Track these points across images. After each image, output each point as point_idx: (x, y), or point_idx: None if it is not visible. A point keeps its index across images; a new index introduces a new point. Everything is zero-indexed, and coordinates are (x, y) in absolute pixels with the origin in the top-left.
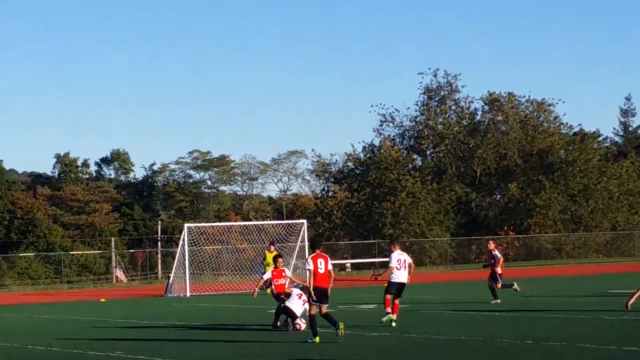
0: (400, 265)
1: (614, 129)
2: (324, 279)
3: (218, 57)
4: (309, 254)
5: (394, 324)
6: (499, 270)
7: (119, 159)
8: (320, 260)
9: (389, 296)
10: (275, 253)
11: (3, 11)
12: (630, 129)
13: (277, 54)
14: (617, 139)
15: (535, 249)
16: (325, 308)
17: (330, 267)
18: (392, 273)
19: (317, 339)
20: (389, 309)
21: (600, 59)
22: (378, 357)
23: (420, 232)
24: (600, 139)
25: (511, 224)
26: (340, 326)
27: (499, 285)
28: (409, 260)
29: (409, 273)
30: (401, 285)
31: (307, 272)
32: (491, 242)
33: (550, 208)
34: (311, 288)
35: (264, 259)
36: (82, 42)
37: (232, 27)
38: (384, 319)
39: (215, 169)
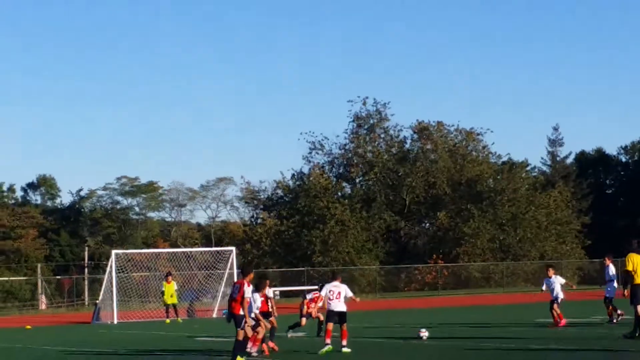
0: (332, 297)
1: (542, 158)
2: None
3: (143, 81)
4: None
5: (345, 349)
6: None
7: (45, 184)
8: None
9: (330, 325)
10: (172, 284)
11: None
12: (557, 158)
13: (205, 78)
14: (544, 168)
15: (464, 278)
16: (240, 333)
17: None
18: (327, 304)
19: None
20: (328, 340)
21: (528, 88)
22: None
23: (349, 260)
24: (528, 168)
25: (440, 252)
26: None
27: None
28: (342, 291)
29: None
30: (339, 314)
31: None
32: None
33: (479, 237)
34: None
35: (162, 291)
36: (3, 65)
37: (160, 46)
38: (324, 350)
39: (143, 195)
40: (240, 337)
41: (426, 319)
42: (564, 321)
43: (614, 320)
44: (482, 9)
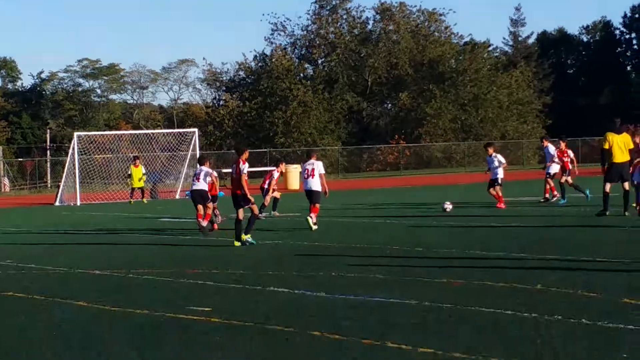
0: (307, 175)
1: (504, 38)
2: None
3: None
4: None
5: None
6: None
7: (5, 66)
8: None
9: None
10: (140, 168)
11: None
12: (519, 39)
13: None
14: (506, 48)
15: (426, 158)
16: (239, 213)
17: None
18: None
19: (236, 243)
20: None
21: None
22: (272, 264)
23: (311, 141)
24: (490, 48)
25: (402, 133)
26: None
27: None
28: (317, 169)
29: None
30: (308, 192)
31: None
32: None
33: (440, 117)
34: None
35: (129, 174)
36: None
37: None
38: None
39: (105, 78)
40: (241, 217)
41: (388, 198)
42: (502, 204)
43: (551, 199)
44: None
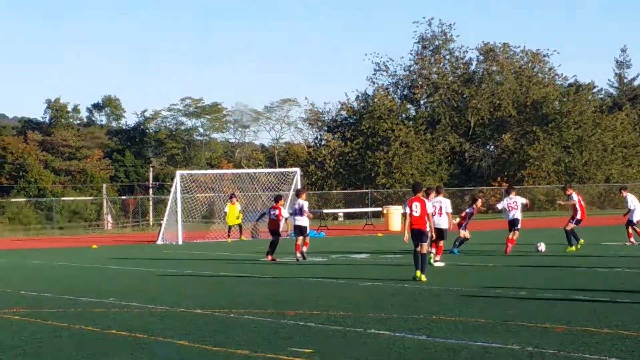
0: (435, 212)
1: (609, 80)
2: (418, 221)
3: (210, 4)
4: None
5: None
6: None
7: (110, 105)
8: (416, 204)
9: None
10: (236, 205)
11: None
12: (625, 80)
13: (271, 2)
14: (611, 90)
15: (529, 200)
16: (424, 247)
17: (429, 210)
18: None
19: (418, 274)
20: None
21: (596, 9)
22: (371, 306)
23: (413, 182)
24: (595, 90)
25: (504, 175)
26: (418, 274)
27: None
28: (444, 207)
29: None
30: (437, 230)
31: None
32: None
33: (543, 159)
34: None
35: (226, 212)
36: None
37: None
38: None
39: (207, 116)
40: (424, 251)
41: (492, 239)
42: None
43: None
44: None
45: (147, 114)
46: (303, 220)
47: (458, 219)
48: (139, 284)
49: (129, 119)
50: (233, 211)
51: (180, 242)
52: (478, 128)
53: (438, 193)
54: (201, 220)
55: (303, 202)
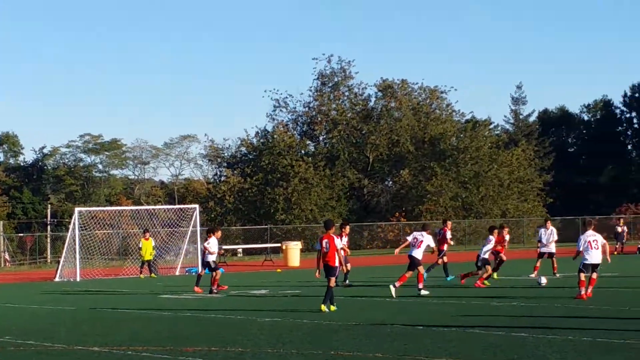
0: (414, 243)
1: (505, 116)
2: (328, 256)
3: (110, 39)
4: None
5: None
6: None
7: (7, 141)
8: (326, 241)
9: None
10: (150, 240)
11: None
12: (520, 116)
13: (169, 37)
14: (507, 126)
15: None
16: (332, 281)
17: (338, 245)
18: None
19: (323, 308)
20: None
21: (492, 47)
22: (270, 341)
23: (312, 217)
24: (491, 126)
25: (402, 210)
26: (331, 308)
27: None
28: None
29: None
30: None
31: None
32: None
33: (441, 195)
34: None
35: (140, 247)
36: None
37: (124, 9)
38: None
39: (106, 153)
40: (332, 285)
41: (391, 274)
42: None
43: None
44: None
45: (45, 151)
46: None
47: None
48: (36, 321)
49: (27, 156)
50: (147, 247)
51: (78, 279)
52: (377, 164)
53: (424, 229)
54: (100, 258)
55: (212, 240)
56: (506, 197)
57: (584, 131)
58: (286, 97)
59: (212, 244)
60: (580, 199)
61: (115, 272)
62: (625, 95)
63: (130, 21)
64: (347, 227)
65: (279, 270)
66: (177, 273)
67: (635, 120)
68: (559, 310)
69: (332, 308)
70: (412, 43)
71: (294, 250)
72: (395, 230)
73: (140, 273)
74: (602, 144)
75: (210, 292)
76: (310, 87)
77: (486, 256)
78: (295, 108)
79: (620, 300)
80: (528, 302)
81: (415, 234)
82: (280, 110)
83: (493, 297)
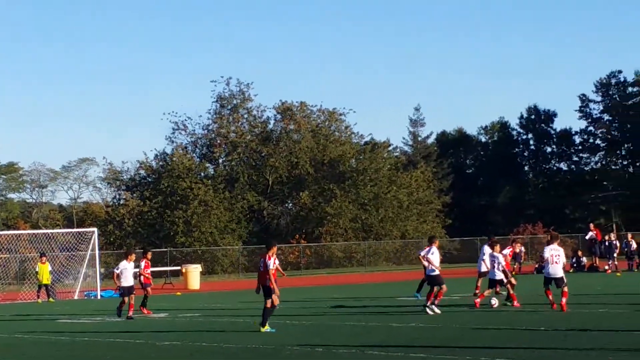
0: (426, 264)
1: (404, 138)
2: (262, 276)
3: (9, 58)
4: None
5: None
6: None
7: None
8: (262, 260)
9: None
10: (47, 264)
11: None
12: (419, 138)
13: (64, 58)
14: (406, 148)
15: (326, 257)
16: (268, 302)
17: (270, 266)
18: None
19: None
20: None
21: (391, 69)
22: None
23: (212, 240)
24: (390, 148)
25: (303, 232)
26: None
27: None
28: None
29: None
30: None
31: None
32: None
33: (341, 216)
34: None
35: (37, 271)
36: None
37: (26, 24)
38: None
39: (3, 176)
40: (269, 306)
41: (290, 297)
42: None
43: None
44: None
45: None
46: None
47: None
48: None
49: None
50: (44, 270)
51: None
52: (276, 186)
53: (431, 243)
54: (11, 282)
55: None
56: (405, 219)
57: (482, 152)
58: (185, 120)
59: (122, 267)
60: (479, 219)
61: (13, 297)
62: (521, 117)
63: (26, 36)
64: (274, 248)
65: (178, 293)
66: (76, 297)
67: (531, 142)
68: (456, 330)
69: (262, 329)
70: (311, 65)
71: (193, 273)
72: (295, 252)
73: (38, 297)
74: (500, 165)
75: (128, 317)
76: (209, 110)
77: (499, 276)
78: (194, 131)
79: (519, 320)
80: (427, 322)
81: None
82: (179, 132)
83: (392, 316)
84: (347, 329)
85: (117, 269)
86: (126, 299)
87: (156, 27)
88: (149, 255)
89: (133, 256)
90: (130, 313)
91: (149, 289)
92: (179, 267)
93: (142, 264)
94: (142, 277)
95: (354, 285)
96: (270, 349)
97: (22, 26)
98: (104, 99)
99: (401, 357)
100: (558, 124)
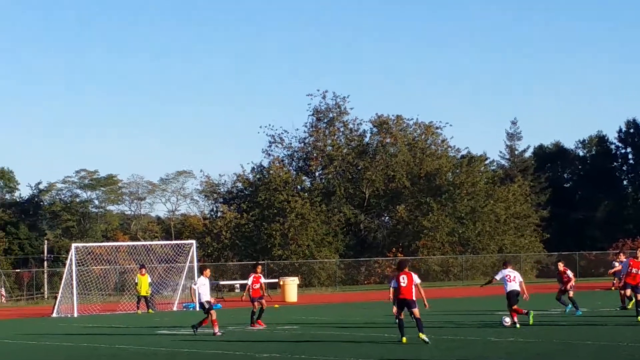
0: (510, 279)
1: (501, 152)
2: (408, 290)
3: (101, 73)
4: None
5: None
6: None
7: (3, 177)
8: (403, 277)
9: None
10: (146, 276)
11: None
12: (516, 152)
13: (164, 71)
14: (503, 162)
15: (423, 271)
16: (415, 312)
17: (416, 280)
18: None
19: (421, 336)
20: (515, 319)
21: (487, 83)
22: None
23: (309, 253)
24: (487, 162)
25: (399, 245)
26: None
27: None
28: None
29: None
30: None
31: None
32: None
33: (438, 230)
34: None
35: (136, 283)
36: None
37: (115, 43)
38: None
39: (102, 188)
40: (417, 315)
41: (387, 310)
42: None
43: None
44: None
45: (41, 186)
46: (202, 298)
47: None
48: (32, 358)
49: (23, 192)
50: (143, 282)
51: (75, 315)
52: (373, 199)
53: (505, 266)
54: (97, 293)
55: (205, 280)
56: (503, 233)
57: (580, 167)
58: (281, 133)
59: (200, 283)
60: (577, 234)
61: (113, 307)
62: (620, 131)
63: (124, 54)
64: (259, 268)
65: (276, 305)
66: (175, 308)
67: (630, 156)
68: (555, 344)
69: (422, 336)
70: (407, 78)
71: (291, 285)
72: (392, 265)
73: (138, 309)
74: (598, 179)
75: (214, 334)
76: (306, 123)
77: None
78: (290, 144)
79: (620, 335)
80: (526, 337)
81: (504, 271)
82: (276, 145)
83: (491, 330)
84: (444, 343)
85: (195, 284)
86: (209, 315)
87: (253, 40)
88: (259, 269)
89: (208, 271)
90: (216, 330)
91: (263, 301)
92: (276, 280)
93: (251, 278)
94: (250, 291)
95: (451, 299)
96: None
97: (130, 41)
98: (201, 112)
99: None
100: None
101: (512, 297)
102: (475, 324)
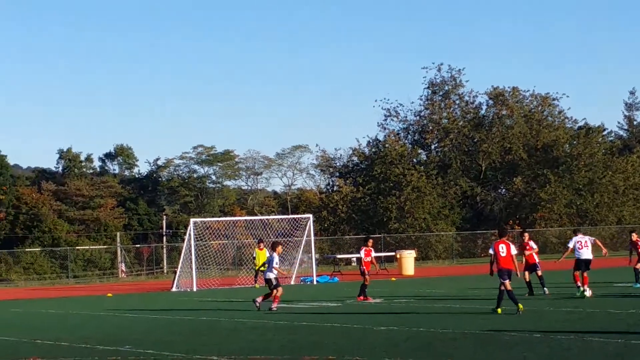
0: (582, 246)
1: (619, 122)
2: (506, 261)
3: (222, 52)
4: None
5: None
6: None
7: (122, 154)
8: (502, 246)
9: (577, 272)
10: (264, 251)
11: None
12: (634, 122)
13: (281, 49)
14: (621, 132)
15: (541, 243)
16: (508, 285)
17: (513, 251)
18: (577, 252)
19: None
20: (579, 284)
21: (605, 52)
22: (386, 351)
23: (425, 226)
24: (604, 133)
25: (516, 218)
26: (520, 307)
27: None
28: (590, 240)
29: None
30: (588, 261)
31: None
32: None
33: (555, 202)
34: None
35: (254, 257)
36: (83, 37)
37: (236, 21)
38: (578, 293)
39: (219, 164)
40: (509, 288)
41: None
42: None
43: None
44: None
45: (159, 163)
46: (267, 274)
47: None
48: (154, 331)
49: (142, 168)
50: (261, 256)
51: (195, 289)
52: (489, 172)
53: (576, 233)
54: (216, 268)
55: (274, 256)
56: (622, 204)
57: None
58: (397, 107)
59: (274, 260)
60: None
61: (231, 282)
62: None
63: (237, 32)
64: (371, 241)
65: (393, 279)
66: (292, 282)
67: None
68: None
69: (499, 311)
70: (522, 50)
71: (408, 259)
72: (510, 237)
73: (255, 282)
74: None
75: (270, 309)
76: (421, 96)
77: None
78: (406, 117)
79: None
80: None
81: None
82: (391, 119)
83: (610, 301)
84: (562, 315)
85: (276, 263)
86: (275, 290)
87: (368, 14)
88: (370, 243)
89: (280, 248)
90: (274, 305)
91: (366, 276)
92: (393, 253)
93: (362, 252)
94: (363, 265)
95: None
96: (487, 334)
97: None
98: (316, 86)
99: (621, 344)
100: None
101: (582, 264)
102: (595, 296)
